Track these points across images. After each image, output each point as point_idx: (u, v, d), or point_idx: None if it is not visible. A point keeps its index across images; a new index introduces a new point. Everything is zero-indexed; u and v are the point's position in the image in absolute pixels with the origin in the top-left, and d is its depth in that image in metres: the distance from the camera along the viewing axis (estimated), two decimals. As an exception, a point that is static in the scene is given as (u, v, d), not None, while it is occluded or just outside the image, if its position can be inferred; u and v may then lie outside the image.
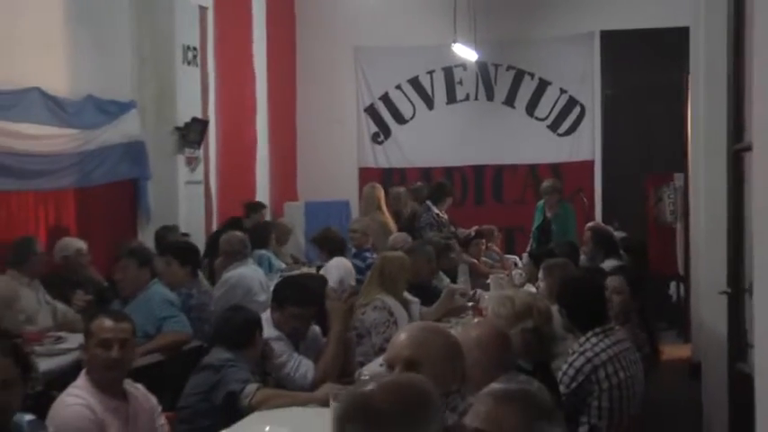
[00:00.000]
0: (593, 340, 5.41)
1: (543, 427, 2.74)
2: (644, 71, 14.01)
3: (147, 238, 10.31)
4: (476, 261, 11.12)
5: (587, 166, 14.94)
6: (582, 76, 14.90)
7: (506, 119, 15.25)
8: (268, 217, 13.17)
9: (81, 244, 8.85)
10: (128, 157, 10.67)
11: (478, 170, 15.36)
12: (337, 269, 8.98)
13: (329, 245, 9.84)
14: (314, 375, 5.75)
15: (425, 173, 14.84)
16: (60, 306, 7.82)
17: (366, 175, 15.06)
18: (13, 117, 8.74)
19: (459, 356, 3.76)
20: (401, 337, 3.83)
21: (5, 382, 3.89)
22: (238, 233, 9.61)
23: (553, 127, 15.13)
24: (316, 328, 6.44)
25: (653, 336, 7.49)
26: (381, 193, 11.88)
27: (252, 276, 8.42)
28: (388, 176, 14.94)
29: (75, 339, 6.55)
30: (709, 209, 7.07)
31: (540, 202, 12.28)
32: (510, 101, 15.27)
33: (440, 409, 2.40)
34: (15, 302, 6.10)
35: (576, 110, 15.02)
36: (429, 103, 15.53)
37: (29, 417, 4.14)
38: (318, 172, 15.15)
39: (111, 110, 10.40)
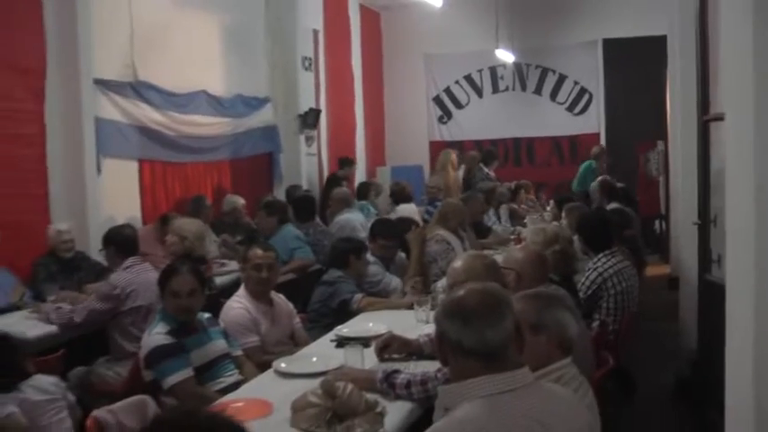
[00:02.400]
0: (603, 260, 5.44)
1: (552, 310, 2.82)
2: (635, 67, 13.73)
3: (279, 194, 10.47)
4: (517, 206, 11.13)
5: (595, 137, 14.74)
6: (590, 72, 14.70)
7: (536, 104, 15.11)
8: (363, 176, 13.32)
9: (242, 200, 9.07)
10: (265, 137, 10.85)
11: (516, 141, 15.26)
12: (404, 211, 9.07)
13: (398, 195, 9.98)
14: (402, 287, 5.83)
15: (477, 143, 14.76)
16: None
17: (434, 146, 15.10)
18: (187, 111, 9.01)
19: (496, 271, 3.81)
20: (456, 265, 3.89)
21: (192, 291, 4.06)
22: (344, 189, 9.76)
23: (570, 109, 14.97)
24: (402, 255, 6.52)
25: (641, 257, 7.49)
26: (452, 156, 11.95)
27: (355, 219, 8.46)
28: (450, 147, 14.91)
29: (233, 265, 6.80)
30: (684, 165, 6.99)
31: (589, 162, 12.44)
32: (538, 90, 15.14)
33: (512, 307, 2.35)
34: (206, 238, 6.26)
35: (586, 96, 14.86)
36: (479, 93, 15.44)
37: (207, 315, 4.32)
38: (400, 144, 15.22)
39: (253, 104, 10.56)
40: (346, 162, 12.16)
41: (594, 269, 5.40)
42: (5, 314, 5.40)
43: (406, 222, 6.85)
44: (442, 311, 2.34)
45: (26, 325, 4.88)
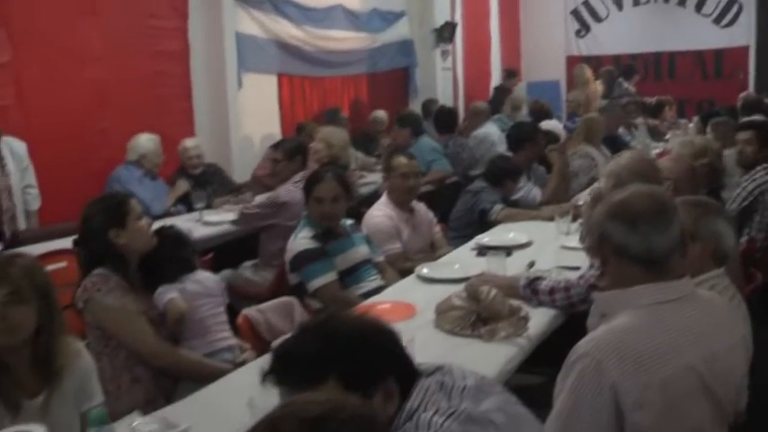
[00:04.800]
0: (762, 173, 5.17)
1: (710, 219, 2.72)
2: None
3: (416, 108, 10.42)
4: (658, 123, 10.75)
5: (744, 50, 14.02)
6: (741, -21, 13.91)
7: (679, 16, 14.40)
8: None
9: (385, 115, 9.13)
10: (401, 52, 10.85)
11: (657, 56, 14.64)
12: (547, 127, 8.88)
13: (537, 113, 9.77)
14: (541, 199, 5.76)
15: (616, 58, 14.30)
16: (359, 154, 8.10)
17: (571, 60, 14.70)
18: (324, 26, 9.09)
19: (652, 174, 3.67)
20: (618, 164, 3.74)
21: (335, 198, 4.10)
22: (482, 103, 9.67)
23: (717, 21, 14.21)
24: (541, 168, 6.41)
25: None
26: (588, 71, 11.64)
27: (492, 133, 8.37)
28: (587, 61, 14.41)
29: (371, 177, 6.89)
30: None
31: None
32: (682, 1, 14.43)
33: (679, 213, 2.19)
34: (348, 147, 6.34)
35: (736, 6, 14.06)
36: (619, 5, 14.90)
37: (350, 221, 4.37)
38: (536, 59, 14.90)
39: (389, 18, 10.55)
40: (511, 74, 12.33)
41: (752, 181, 5.15)
42: (162, 219, 5.64)
43: (548, 136, 6.69)
44: (607, 213, 2.20)
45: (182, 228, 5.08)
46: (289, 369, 1.63)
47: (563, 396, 2.00)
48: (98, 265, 3.12)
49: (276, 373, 1.65)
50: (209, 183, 6.47)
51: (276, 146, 5.89)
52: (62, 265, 4.15)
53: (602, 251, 2.20)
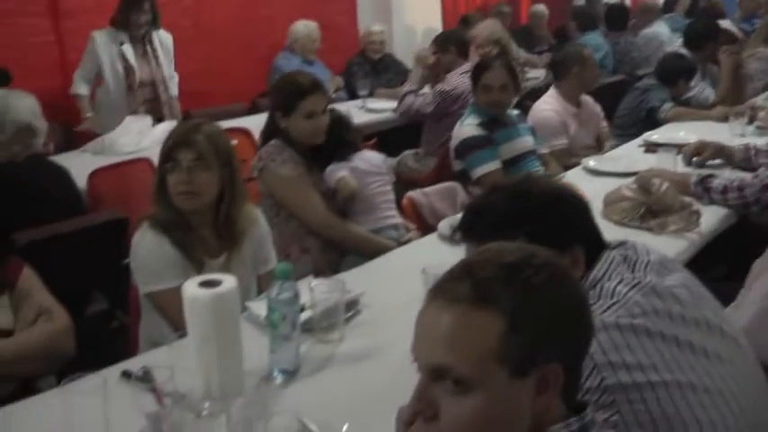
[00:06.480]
0: None
1: None
2: None
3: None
4: None
5: None
6: None
7: None
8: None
9: (545, 9, 8.95)
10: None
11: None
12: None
13: (709, 13, 9.25)
14: (713, 100, 5.53)
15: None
16: (522, 51, 7.91)
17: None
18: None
19: None
20: None
21: (503, 86, 4.05)
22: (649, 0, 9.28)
23: None
24: (715, 68, 6.13)
25: None
26: None
27: (662, 33, 8.01)
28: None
29: (533, 72, 6.88)
30: None
31: None
32: None
33: None
34: (512, 42, 6.28)
35: None
36: None
37: (516, 111, 4.33)
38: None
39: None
40: None
41: None
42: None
43: (724, 35, 6.36)
44: None
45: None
46: (480, 225, 1.68)
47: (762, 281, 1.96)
48: (274, 136, 3.25)
49: (467, 229, 1.70)
50: (386, 70, 6.65)
51: (439, 38, 5.87)
52: (234, 142, 4.33)
53: None
